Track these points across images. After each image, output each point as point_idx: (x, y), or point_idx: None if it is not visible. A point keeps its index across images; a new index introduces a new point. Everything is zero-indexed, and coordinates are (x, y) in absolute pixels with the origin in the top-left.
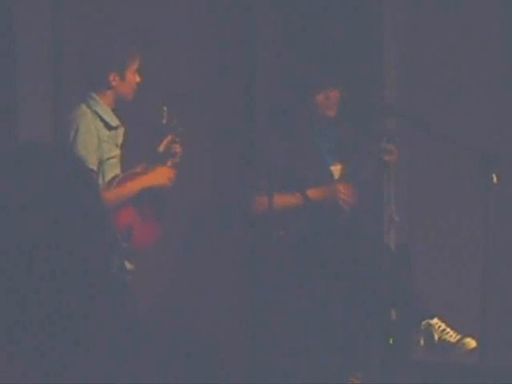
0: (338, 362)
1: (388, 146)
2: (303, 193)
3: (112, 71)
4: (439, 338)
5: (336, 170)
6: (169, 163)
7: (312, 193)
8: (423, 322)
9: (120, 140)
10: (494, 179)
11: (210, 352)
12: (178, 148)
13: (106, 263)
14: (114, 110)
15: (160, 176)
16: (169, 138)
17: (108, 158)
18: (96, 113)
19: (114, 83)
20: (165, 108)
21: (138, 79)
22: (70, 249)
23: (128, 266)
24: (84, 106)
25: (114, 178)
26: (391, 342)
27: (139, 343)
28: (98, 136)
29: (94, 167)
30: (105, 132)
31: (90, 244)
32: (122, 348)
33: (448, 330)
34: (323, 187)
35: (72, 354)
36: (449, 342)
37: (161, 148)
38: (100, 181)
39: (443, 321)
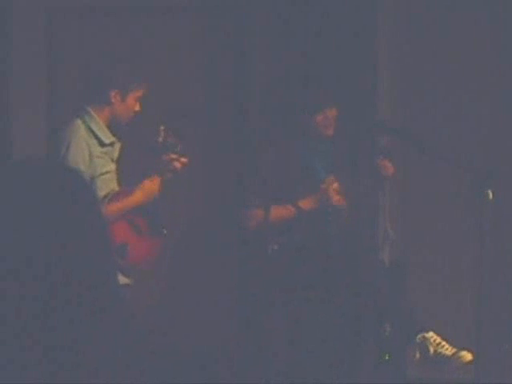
0: (332, 377)
1: (384, 162)
2: (295, 204)
3: (114, 89)
4: (435, 352)
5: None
6: (169, 176)
7: (303, 203)
8: (418, 336)
9: (116, 154)
10: (490, 195)
11: (204, 365)
12: (175, 160)
13: (104, 276)
14: (109, 127)
15: (147, 191)
16: (167, 155)
17: (102, 173)
18: (90, 129)
19: (113, 100)
20: (162, 127)
21: (137, 108)
22: (68, 262)
23: (124, 280)
24: (79, 121)
25: (108, 194)
26: (387, 357)
27: (134, 353)
28: (89, 152)
29: None
30: (98, 148)
31: (88, 256)
32: (119, 357)
33: (443, 343)
34: (312, 194)
35: (70, 365)
36: (444, 355)
37: (157, 163)
38: None
39: (438, 334)
